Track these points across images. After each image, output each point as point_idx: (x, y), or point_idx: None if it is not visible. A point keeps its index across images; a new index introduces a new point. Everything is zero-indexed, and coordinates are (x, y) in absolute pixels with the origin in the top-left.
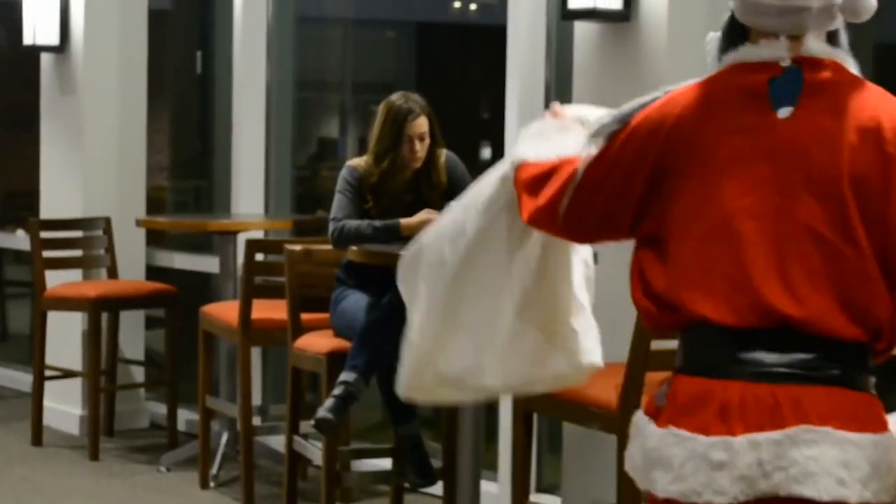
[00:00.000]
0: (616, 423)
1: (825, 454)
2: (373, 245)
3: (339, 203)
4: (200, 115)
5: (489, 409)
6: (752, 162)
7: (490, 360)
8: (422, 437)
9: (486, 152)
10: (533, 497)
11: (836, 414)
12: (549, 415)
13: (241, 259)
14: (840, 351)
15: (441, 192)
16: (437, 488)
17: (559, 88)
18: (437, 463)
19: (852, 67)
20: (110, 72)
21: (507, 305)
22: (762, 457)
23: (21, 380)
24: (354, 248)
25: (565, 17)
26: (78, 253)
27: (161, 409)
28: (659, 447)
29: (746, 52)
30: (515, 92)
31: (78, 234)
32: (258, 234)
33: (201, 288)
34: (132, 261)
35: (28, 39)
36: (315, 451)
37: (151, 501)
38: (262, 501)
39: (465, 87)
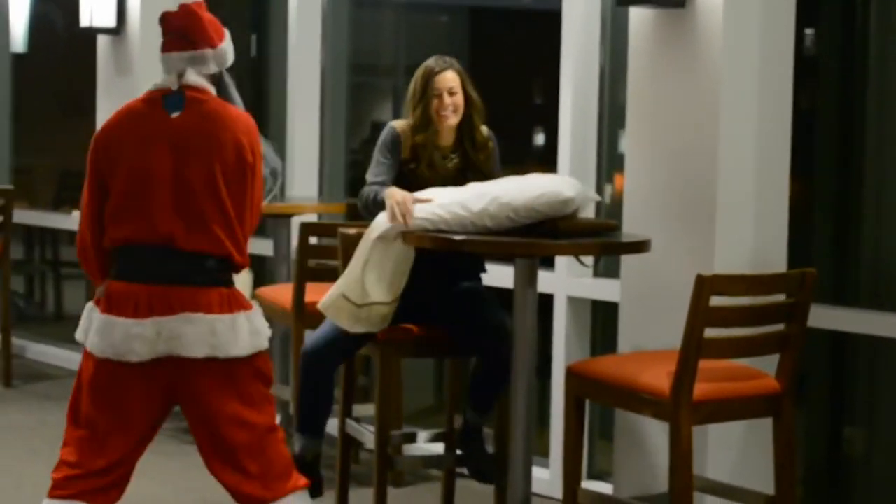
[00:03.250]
0: (668, 410)
1: (199, 328)
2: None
3: (373, 165)
4: (255, 98)
5: (541, 396)
6: (155, 142)
7: None
8: (482, 431)
9: (539, 138)
10: (584, 484)
11: (206, 304)
12: (601, 402)
13: (294, 242)
14: (208, 264)
15: (487, 156)
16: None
17: (613, 74)
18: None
19: (214, 93)
20: None
21: None
22: (162, 331)
23: (76, 360)
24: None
25: (620, 2)
26: None
27: None
28: (103, 326)
29: (155, 84)
30: (570, 77)
31: None
32: (312, 218)
33: (255, 271)
34: None
35: (85, 21)
36: (368, 434)
37: (206, 482)
38: None
39: (518, 73)
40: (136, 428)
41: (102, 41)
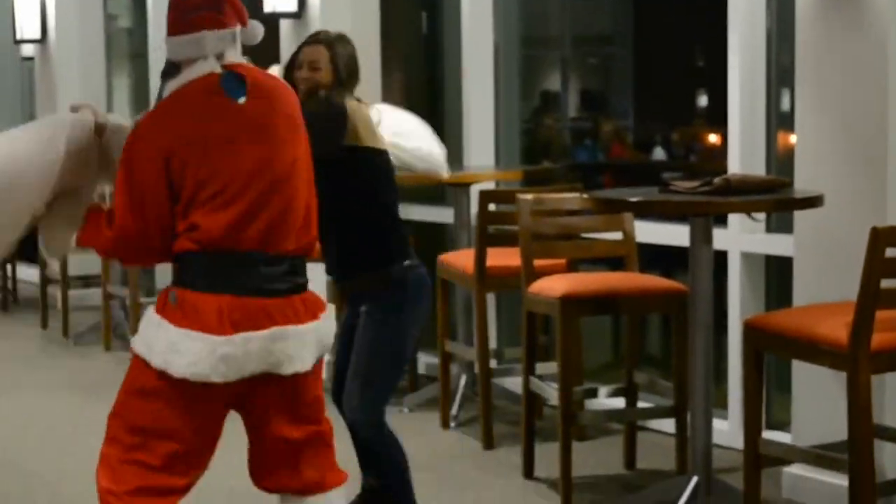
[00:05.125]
0: (846, 360)
1: (291, 343)
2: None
3: None
4: (428, 74)
5: (717, 350)
6: (235, 136)
7: None
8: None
9: (702, 100)
10: (763, 434)
11: (293, 315)
12: (779, 354)
13: (474, 209)
14: (293, 266)
15: None
16: (670, 425)
17: (780, 37)
18: (668, 401)
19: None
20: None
21: None
22: (252, 349)
23: None
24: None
25: None
26: None
27: None
28: (180, 341)
29: (187, 75)
30: (737, 41)
31: None
32: (490, 186)
33: (436, 237)
34: None
35: (268, 7)
36: (551, 391)
37: None
38: (500, 440)
39: (682, 38)
40: (206, 446)
41: (285, 25)
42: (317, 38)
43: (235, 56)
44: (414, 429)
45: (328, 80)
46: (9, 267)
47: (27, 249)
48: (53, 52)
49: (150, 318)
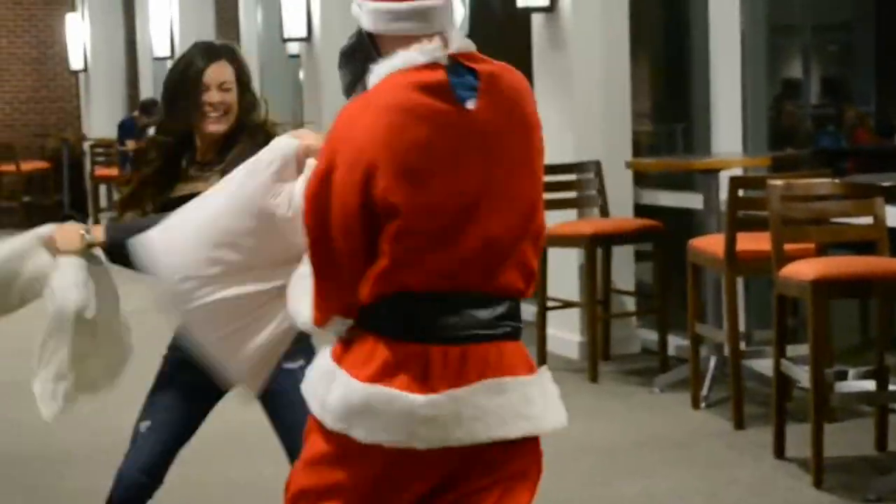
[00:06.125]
0: None
1: (510, 398)
2: None
3: None
4: (676, 62)
5: None
6: (464, 153)
7: None
8: None
9: None
10: None
11: (510, 364)
12: None
13: (723, 195)
14: (510, 309)
15: None
16: None
17: None
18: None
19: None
20: (596, 26)
21: None
22: (463, 409)
23: (525, 310)
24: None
25: None
26: (572, 194)
27: (651, 335)
28: (370, 400)
29: (404, 59)
30: None
31: (572, 177)
32: (738, 172)
33: (684, 223)
34: (621, 200)
35: (521, 2)
36: (801, 373)
37: (647, 420)
38: (750, 421)
39: None
40: None
41: (537, 19)
42: (218, 54)
43: (460, 37)
44: (665, 409)
45: (235, 101)
46: None
47: None
48: (318, 50)
49: (324, 366)
